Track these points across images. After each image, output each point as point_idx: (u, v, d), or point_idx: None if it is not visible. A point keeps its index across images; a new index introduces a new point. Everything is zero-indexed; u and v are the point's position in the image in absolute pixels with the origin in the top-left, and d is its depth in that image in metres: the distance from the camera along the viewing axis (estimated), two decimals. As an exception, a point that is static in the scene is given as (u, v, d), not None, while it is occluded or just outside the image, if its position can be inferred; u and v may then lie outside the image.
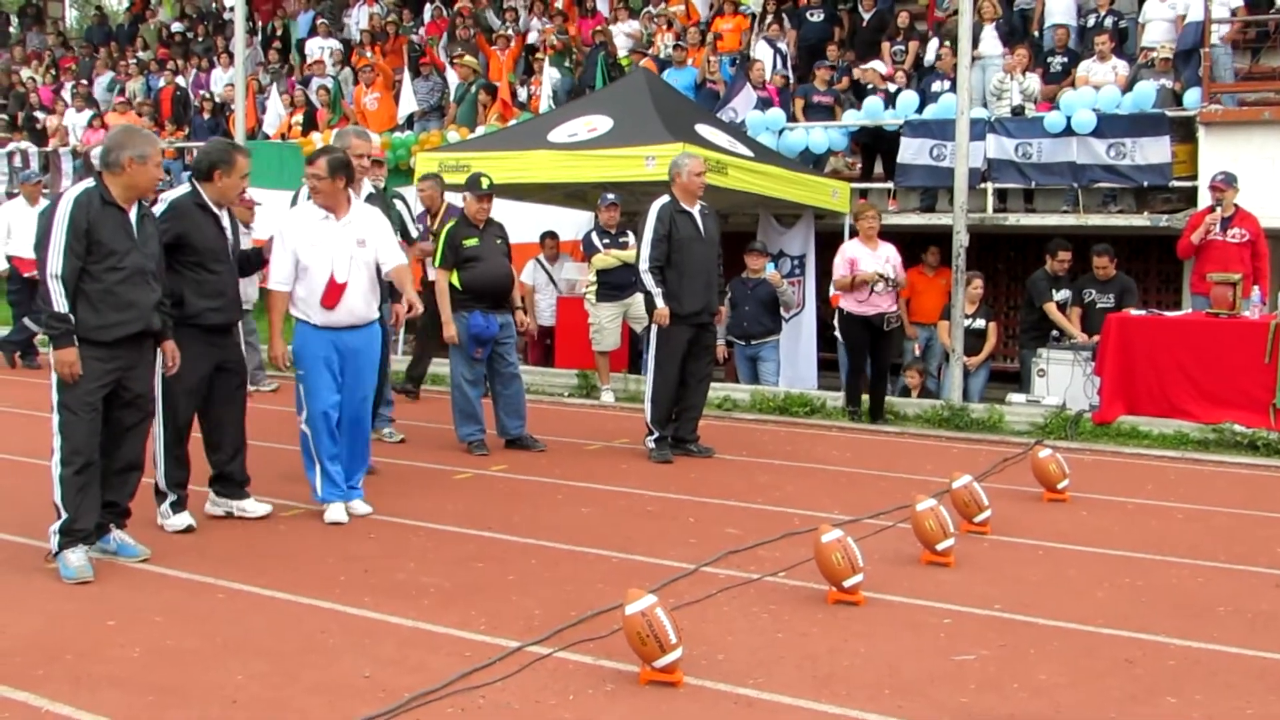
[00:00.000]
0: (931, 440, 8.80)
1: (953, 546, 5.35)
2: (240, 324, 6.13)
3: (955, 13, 10.98)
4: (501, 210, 8.17)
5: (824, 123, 13.24)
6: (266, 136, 16.44)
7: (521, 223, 10.99)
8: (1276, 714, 3.76)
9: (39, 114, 19.79)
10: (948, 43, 12.65)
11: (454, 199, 10.28)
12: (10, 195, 15.43)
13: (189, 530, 5.73)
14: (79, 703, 3.70)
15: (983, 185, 12.12)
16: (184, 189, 5.81)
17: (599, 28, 15.94)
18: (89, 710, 3.66)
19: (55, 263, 4.88)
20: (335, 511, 6.00)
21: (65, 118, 18.95)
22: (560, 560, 5.40)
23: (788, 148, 12.89)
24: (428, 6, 18.64)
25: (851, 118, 13.33)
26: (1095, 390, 8.95)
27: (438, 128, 15.28)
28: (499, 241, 7.94)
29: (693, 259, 7.72)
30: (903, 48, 13.98)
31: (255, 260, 6.22)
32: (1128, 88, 11.86)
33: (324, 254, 5.94)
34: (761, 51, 14.29)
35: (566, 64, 15.53)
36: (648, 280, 7.73)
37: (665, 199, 7.79)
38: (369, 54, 17.17)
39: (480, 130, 14.25)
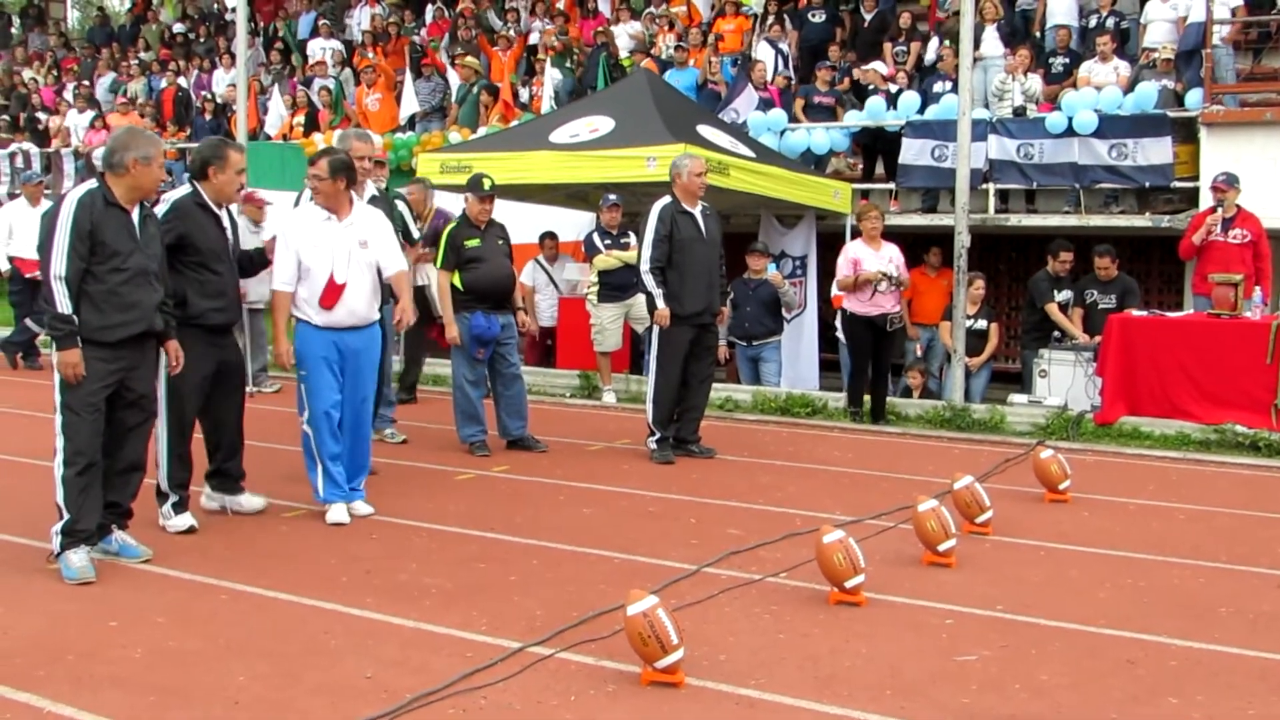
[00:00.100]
0: (933, 441, 8.80)
1: (954, 547, 5.35)
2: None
3: (956, 13, 10.98)
4: (501, 211, 8.18)
5: (825, 123, 13.24)
6: (268, 137, 16.45)
7: (521, 223, 10.99)
8: (1278, 714, 3.76)
9: (41, 115, 19.82)
10: (948, 42, 12.65)
11: (441, 202, 10.31)
12: (12, 196, 15.46)
13: (191, 531, 5.73)
14: (81, 703, 3.71)
15: (984, 186, 12.12)
16: (185, 189, 5.85)
17: (600, 28, 15.95)
18: (91, 711, 3.66)
19: (59, 264, 4.89)
20: (337, 512, 6.01)
21: (67, 119, 18.97)
22: (562, 561, 5.41)
23: (789, 148, 12.88)
24: (429, 7, 18.66)
25: (853, 118, 13.33)
26: (1097, 391, 8.95)
27: (439, 129, 15.30)
28: (501, 242, 7.95)
29: (694, 260, 7.72)
30: (904, 48, 13.97)
31: (258, 261, 6.23)
32: (1129, 88, 11.85)
33: (324, 254, 5.96)
34: (763, 52, 14.29)
35: (568, 65, 15.53)
36: (649, 281, 7.73)
37: (667, 200, 7.80)
38: (370, 55, 17.18)
39: (482, 131, 14.25)
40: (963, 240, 9.60)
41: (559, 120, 11.13)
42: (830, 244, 12.08)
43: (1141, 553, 5.65)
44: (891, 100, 12.95)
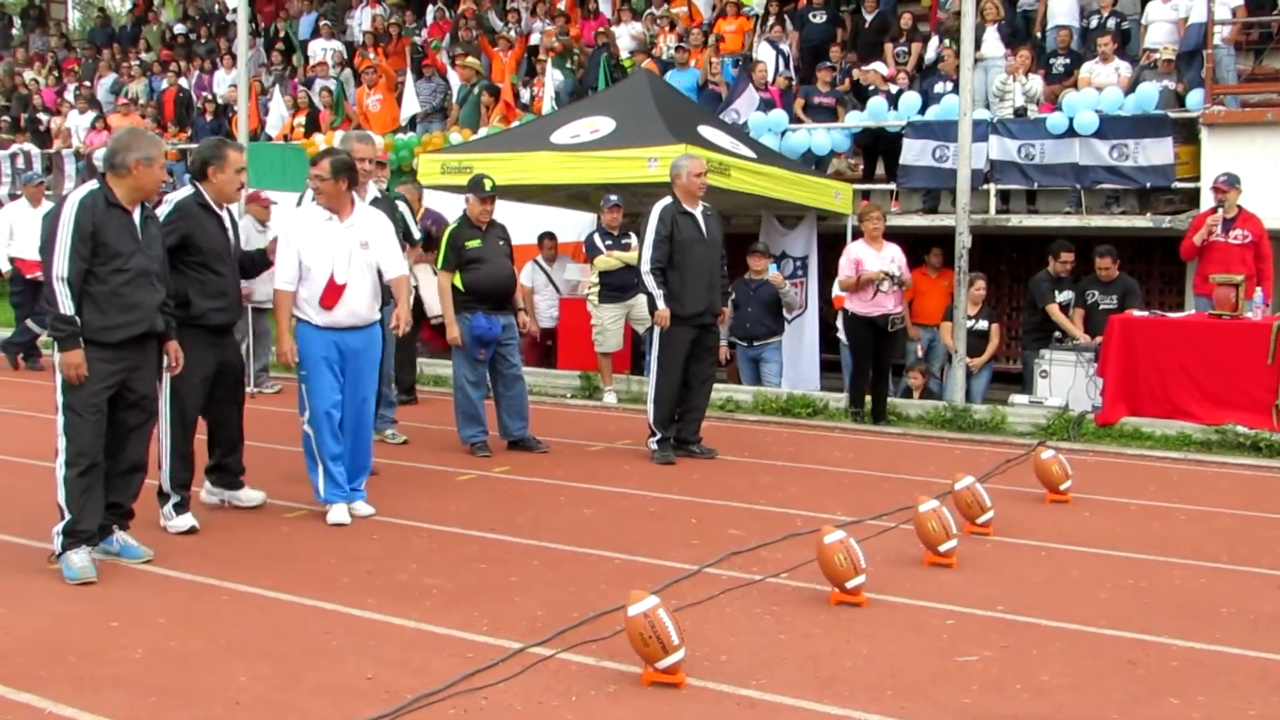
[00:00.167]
0: (934, 441, 8.80)
1: (955, 548, 5.35)
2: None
3: (957, 13, 10.98)
4: (500, 211, 8.19)
5: (826, 124, 13.24)
6: (269, 138, 16.46)
7: (520, 224, 11.00)
8: (1279, 715, 3.76)
9: (42, 116, 19.83)
10: (948, 40, 12.65)
11: (431, 202, 10.31)
12: (13, 197, 15.46)
13: (192, 531, 5.74)
14: (82, 704, 3.71)
15: (985, 186, 12.12)
16: (187, 190, 5.87)
17: (601, 29, 15.95)
18: (92, 711, 3.66)
19: (61, 265, 4.89)
20: (338, 513, 6.01)
21: (68, 119, 18.97)
22: (563, 561, 5.41)
23: (790, 149, 12.89)
24: (430, 8, 18.67)
25: (854, 119, 13.33)
26: (1098, 391, 8.95)
27: (440, 129, 15.30)
28: (501, 243, 7.95)
29: (695, 260, 7.72)
30: (905, 49, 13.97)
31: (260, 261, 6.25)
32: (1130, 89, 11.85)
33: (325, 254, 5.98)
34: (764, 53, 14.29)
35: (569, 65, 15.53)
36: (649, 282, 7.73)
37: (668, 200, 7.80)
38: (371, 55, 17.19)
39: (483, 132, 14.26)
40: (964, 241, 9.60)
41: (560, 121, 11.13)
42: (831, 244, 12.08)
43: (1142, 553, 5.65)
44: (892, 101, 12.95)
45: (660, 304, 7.70)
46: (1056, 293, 10.15)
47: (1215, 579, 5.26)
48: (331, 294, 5.97)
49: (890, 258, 9.21)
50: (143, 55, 20.72)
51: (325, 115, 16.41)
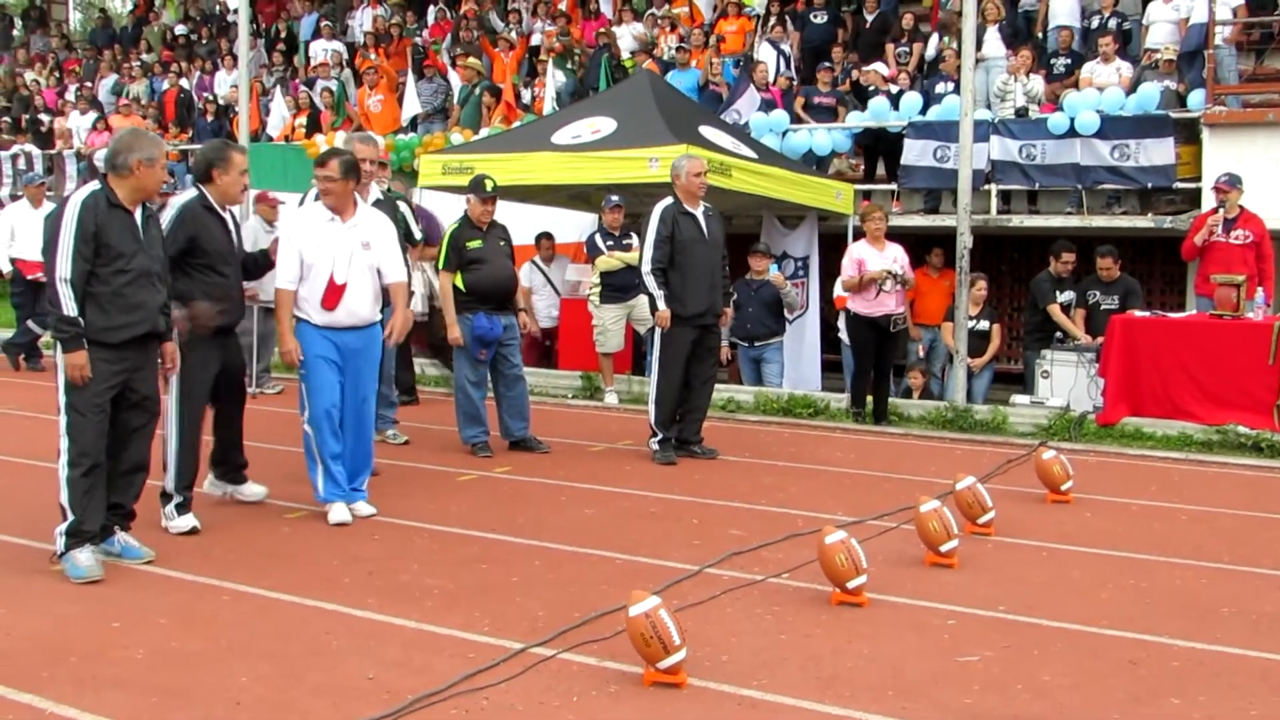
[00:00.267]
0: (935, 441, 8.80)
1: (956, 548, 5.35)
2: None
3: (958, 13, 10.98)
4: (501, 212, 8.19)
5: (827, 124, 13.24)
6: (270, 139, 16.46)
7: (521, 224, 11.00)
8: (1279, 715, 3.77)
9: (43, 116, 19.84)
10: (948, 39, 12.65)
11: (431, 203, 10.30)
12: (14, 198, 15.48)
13: (193, 532, 5.74)
14: (83, 704, 3.71)
15: (986, 187, 12.13)
16: (191, 193, 5.89)
17: (602, 29, 15.96)
18: (93, 712, 3.66)
19: (64, 266, 4.90)
20: (339, 512, 6.01)
21: (69, 120, 18.98)
22: (564, 562, 5.41)
23: (791, 149, 12.88)
24: (431, 9, 18.67)
25: (855, 119, 13.33)
26: (1099, 391, 8.95)
27: (441, 130, 15.30)
28: (502, 243, 7.96)
29: (696, 261, 7.72)
30: (906, 49, 13.97)
31: (263, 262, 6.27)
32: (1131, 89, 11.85)
33: (326, 254, 5.99)
34: (765, 53, 14.29)
35: (570, 66, 15.53)
36: (650, 282, 7.73)
37: (668, 201, 7.80)
38: (372, 56, 17.19)
39: (484, 132, 14.26)
40: (965, 241, 9.59)
41: (561, 121, 11.14)
42: (832, 245, 12.08)
43: (1143, 553, 5.65)
44: (893, 101, 12.95)
45: (661, 304, 7.70)
46: (1058, 293, 10.14)
47: (1216, 579, 5.26)
48: (332, 294, 5.98)
49: (893, 258, 9.22)
50: (144, 56, 20.74)
51: (326, 116, 16.41)
